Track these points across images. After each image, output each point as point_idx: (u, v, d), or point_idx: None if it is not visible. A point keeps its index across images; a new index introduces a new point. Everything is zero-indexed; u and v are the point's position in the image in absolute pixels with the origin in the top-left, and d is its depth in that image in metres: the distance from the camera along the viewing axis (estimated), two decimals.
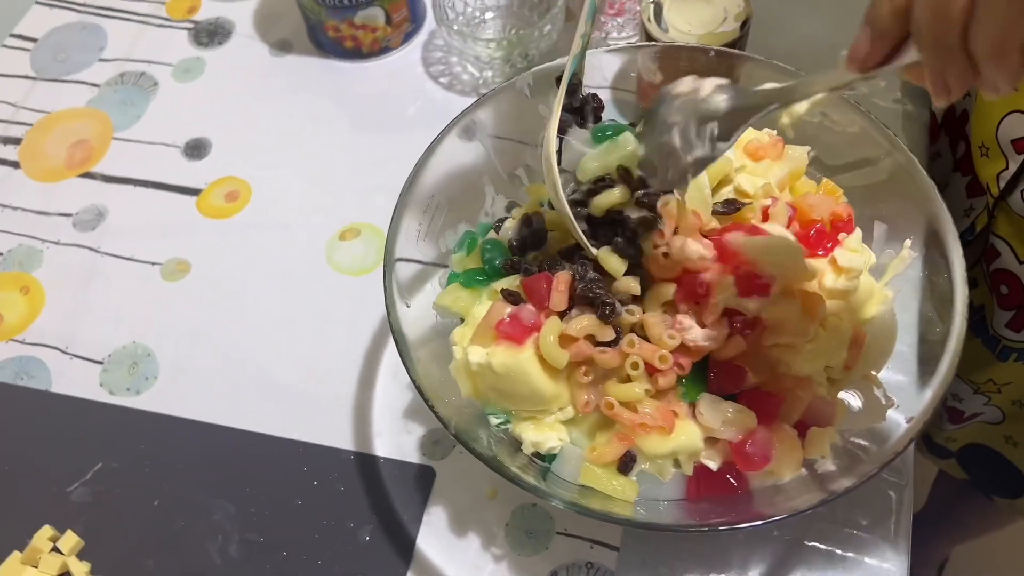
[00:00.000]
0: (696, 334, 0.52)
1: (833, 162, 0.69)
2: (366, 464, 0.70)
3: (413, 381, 0.55)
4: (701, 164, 0.50)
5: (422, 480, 0.69)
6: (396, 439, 0.71)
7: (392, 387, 0.73)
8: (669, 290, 0.53)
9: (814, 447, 0.55)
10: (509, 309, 0.55)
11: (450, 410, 0.55)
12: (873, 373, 0.59)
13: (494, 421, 0.57)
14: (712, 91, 0.49)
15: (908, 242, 0.60)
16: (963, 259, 0.56)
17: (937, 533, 1.30)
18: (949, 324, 0.54)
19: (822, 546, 0.63)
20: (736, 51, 0.72)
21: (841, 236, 0.59)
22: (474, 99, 0.89)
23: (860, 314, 0.59)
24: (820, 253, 0.58)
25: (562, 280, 0.55)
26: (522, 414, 0.56)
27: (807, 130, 0.69)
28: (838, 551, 0.63)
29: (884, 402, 0.55)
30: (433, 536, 0.66)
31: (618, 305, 0.53)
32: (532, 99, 0.68)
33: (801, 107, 0.50)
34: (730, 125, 0.49)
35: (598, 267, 0.55)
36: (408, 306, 0.59)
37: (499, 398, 0.56)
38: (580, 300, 0.55)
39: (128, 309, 0.79)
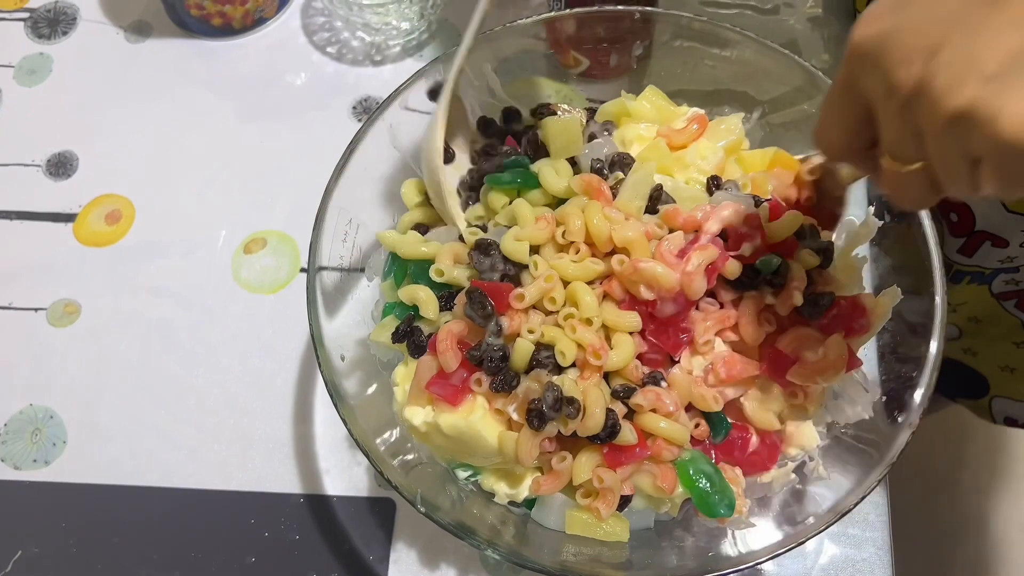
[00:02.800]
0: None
1: (762, 97, 0.64)
2: (318, 506, 0.64)
3: (364, 452, 0.49)
4: None
5: (382, 514, 0.64)
6: (346, 473, 0.65)
7: (331, 415, 0.65)
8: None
9: (811, 402, 0.51)
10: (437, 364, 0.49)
11: (413, 475, 0.50)
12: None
13: (462, 475, 0.52)
14: None
15: (871, 209, 0.56)
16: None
17: None
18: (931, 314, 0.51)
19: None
20: (650, 9, 0.65)
21: None
22: (368, 68, 0.81)
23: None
24: None
25: (448, 337, 0.48)
26: (489, 467, 0.51)
27: (734, 69, 0.65)
28: None
29: (868, 391, 0.52)
30: (404, 574, 0.62)
31: (510, 374, 0.47)
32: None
33: None
34: None
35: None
36: (343, 359, 0.52)
37: (458, 455, 0.51)
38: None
39: (17, 367, 0.70)
